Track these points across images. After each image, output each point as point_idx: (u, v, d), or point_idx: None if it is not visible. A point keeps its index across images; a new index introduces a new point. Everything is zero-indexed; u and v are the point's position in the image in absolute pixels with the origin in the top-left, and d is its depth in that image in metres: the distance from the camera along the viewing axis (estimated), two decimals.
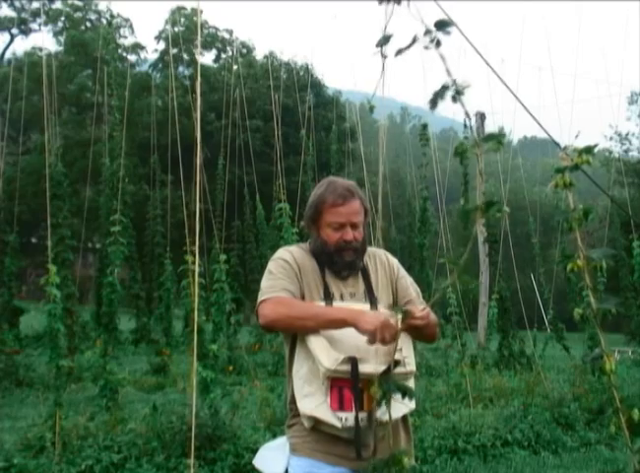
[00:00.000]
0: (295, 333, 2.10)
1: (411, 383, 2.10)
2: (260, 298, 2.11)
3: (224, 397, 6.28)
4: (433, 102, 1.27)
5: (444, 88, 1.27)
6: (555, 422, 6.35)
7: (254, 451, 2.23)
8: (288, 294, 2.10)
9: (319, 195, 2.21)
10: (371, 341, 1.91)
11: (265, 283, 2.15)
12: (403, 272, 2.33)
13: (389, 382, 1.84)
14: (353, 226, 2.18)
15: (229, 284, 9.45)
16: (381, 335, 1.88)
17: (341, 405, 1.98)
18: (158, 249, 14.14)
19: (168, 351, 10.56)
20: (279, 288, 2.11)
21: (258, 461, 2.17)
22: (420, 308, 1.98)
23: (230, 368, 9.86)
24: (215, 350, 5.97)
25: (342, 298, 2.16)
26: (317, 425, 2.02)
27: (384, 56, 1.41)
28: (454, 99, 1.25)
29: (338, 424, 1.97)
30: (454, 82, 1.25)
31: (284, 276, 2.14)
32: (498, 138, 1.24)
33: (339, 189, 2.19)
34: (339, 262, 2.18)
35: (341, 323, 1.99)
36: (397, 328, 1.87)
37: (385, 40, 1.40)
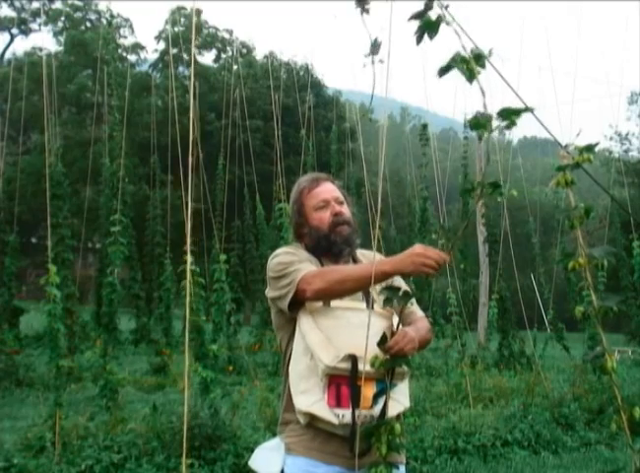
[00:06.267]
0: (298, 325, 2.09)
1: (406, 383, 2.11)
2: (297, 279, 2.05)
3: (224, 397, 6.27)
4: (442, 71, 1.27)
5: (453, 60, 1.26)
6: (555, 422, 6.34)
7: (254, 451, 2.23)
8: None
9: (295, 191, 2.30)
10: (433, 270, 1.86)
11: (286, 270, 2.11)
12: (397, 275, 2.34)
13: (385, 381, 1.84)
14: (337, 201, 2.23)
15: (229, 284, 9.47)
16: (430, 264, 1.85)
17: (338, 402, 1.97)
18: (158, 249, 14.13)
19: (168, 351, 10.56)
20: (305, 267, 2.09)
21: (254, 462, 2.17)
22: (393, 337, 1.92)
23: (230, 368, 9.86)
24: (215, 350, 5.97)
25: None
26: (313, 421, 2.01)
27: (381, 61, 1.43)
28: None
29: (335, 420, 1.96)
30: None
31: (299, 260, 2.14)
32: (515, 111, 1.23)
33: (310, 176, 2.32)
34: (337, 240, 2.18)
35: (382, 275, 1.95)
36: (438, 251, 1.82)
37: (375, 48, 1.42)
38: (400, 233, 18.34)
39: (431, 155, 11.21)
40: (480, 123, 1.23)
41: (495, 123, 1.24)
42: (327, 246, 2.20)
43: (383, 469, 1.76)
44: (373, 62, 1.39)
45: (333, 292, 2.04)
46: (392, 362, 1.88)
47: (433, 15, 1.27)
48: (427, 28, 1.27)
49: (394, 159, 25.01)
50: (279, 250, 2.25)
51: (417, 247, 1.88)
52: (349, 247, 2.21)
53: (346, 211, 2.23)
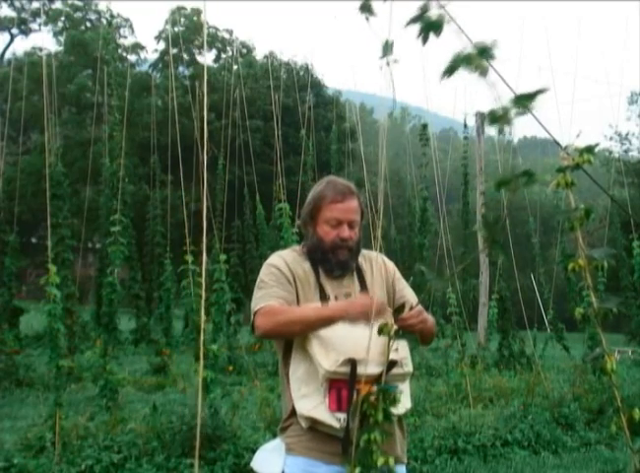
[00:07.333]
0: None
1: (407, 384, 2.11)
2: (253, 309, 2.11)
3: (224, 397, 6.27)
4: (448, 73, 1.23)
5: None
6: (555, 422, 6.34)
7: (254, 451, 2.23)
8: (280, 301, 2.10)
9: (319, 192, 2.22)
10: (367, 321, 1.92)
11: (257, 293, 2.15)
12: (399, 275, 2.34)
13: (382, 384, 1.85)
14: (350, 224, 2.19)
15: (229, 284, 9.45)
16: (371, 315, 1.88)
17: (339, 406, 1.98)
18: (158, 249, 14.14)
19: (168, 351, 10.55)
20: (269, 296, 2.10)
21: (255, 463, 2.18)
22: (411, 311, 1.95)
23: (230, 368, 9.85)
24: (215, 350, 5.97)
25: (336, 299, 2.17)
26: (314, 425, 2.03)
27: (395, 61, 1.41)
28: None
29: (336, 424, 1.97)
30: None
31: (275, 283, 2.14)
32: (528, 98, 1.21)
33: (339, 187, 2.21)
34: (332, 261, 2.18)
35: (328, 321, 2.00)
36: (382, 301, 1.96)
37: (389, 49, 1.40)
38: (400, 233, 18.35)
39: (431, 155, 11.22)
40: (498, 116, 1.20)
41: (513, 113, 1.21)
42: (321, 260, 2.20)
43: (377, 435, 1.73)
44: (388, 63, 1.37)
45: (280, 333, 2.08)
46: (398, 333, 1.86)
47: (432, 15, 1.24)
48: (432, 28, 1.24)
49: (394, 159, 24.98)
50: (269, 259, 2.25)
51: (362, 298, 2.03)
52: (341, 271, 2.20)
53: (353, 235, 2.20)
